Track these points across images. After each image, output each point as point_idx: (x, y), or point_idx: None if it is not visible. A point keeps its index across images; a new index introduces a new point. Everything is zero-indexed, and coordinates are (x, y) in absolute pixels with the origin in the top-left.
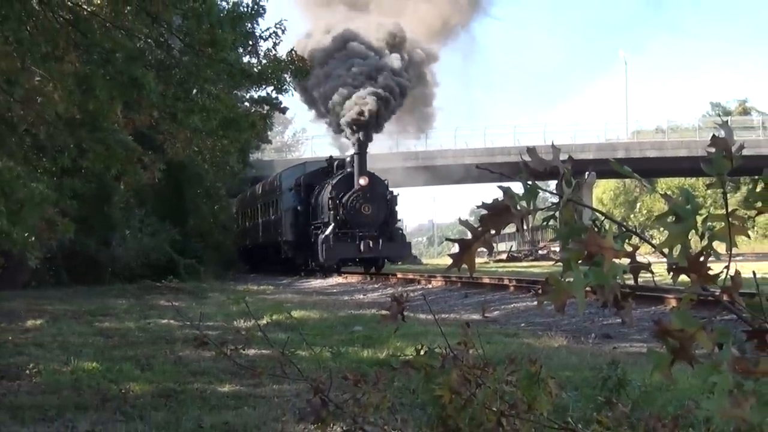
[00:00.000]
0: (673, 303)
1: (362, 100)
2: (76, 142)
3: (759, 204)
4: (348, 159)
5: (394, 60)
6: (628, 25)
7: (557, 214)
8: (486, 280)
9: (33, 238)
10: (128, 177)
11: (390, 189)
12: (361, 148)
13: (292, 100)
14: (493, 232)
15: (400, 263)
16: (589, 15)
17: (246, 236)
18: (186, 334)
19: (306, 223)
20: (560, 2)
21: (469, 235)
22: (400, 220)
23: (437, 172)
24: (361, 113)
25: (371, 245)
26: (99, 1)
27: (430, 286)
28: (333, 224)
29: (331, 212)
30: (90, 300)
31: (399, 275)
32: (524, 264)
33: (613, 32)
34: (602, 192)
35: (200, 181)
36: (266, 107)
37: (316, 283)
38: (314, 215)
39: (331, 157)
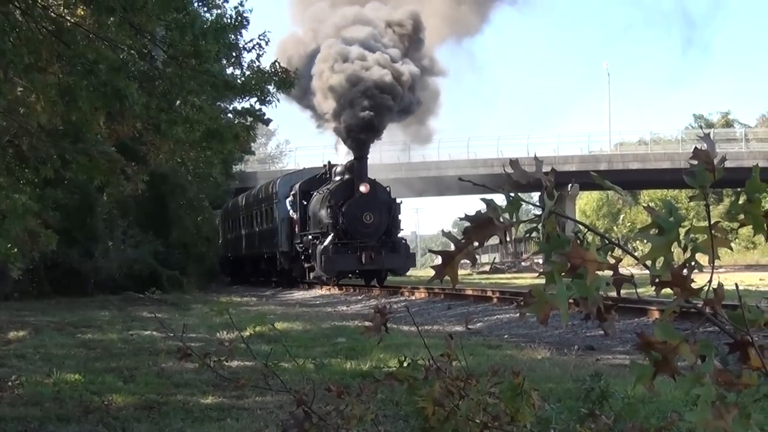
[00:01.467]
0: (656, 315)
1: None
2: (59, 153)
3: (741, 216)
4: (347, 165)
5: (405, 70)
6: (614, 38)
7: (540, 226)
8: (469, 292)
9: (15, 250)
10: (111, 188)
11: (393, 197)
12: (361, 152)
13: (275, 111)
14: (476, 244)
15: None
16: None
17: (235, 247)
18: (169, 345)
19: (304, 233)
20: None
21: (453, 247)
22: (402, 230)
23: (422, 183)
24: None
25: (373, 257)
26: (82, 12)
27: (413, 297)
28: (332, 234)
29: (330, 221)
30: (73, 311)
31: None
32: (507, 276)
33: (598, 44)
34: (585, 204)
35: (183, 192)
36: (250, 119)
37: (299, 294)
38: (312, 224)
39: (329, 162)
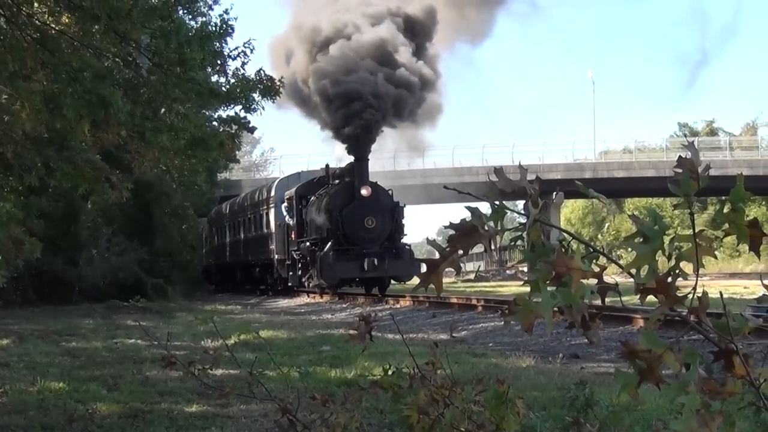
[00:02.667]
0: (641, 323)
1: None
2: (44, 160)
3: (726, 225)
4: (347, 167)
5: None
6: (597, 46)
7: (525, 234)
8: (454, 300)
9: (0, 257)
10: (96, 196)
11: (396, 200)
12: (362, 153)
13: (260, 119)
14: (461, 252)
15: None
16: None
17: (224, 254)
18: (153, 353)
19: (301, 240)
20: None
21: (437, 255)
22: (406, 235)
23: (407, 191)
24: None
25: (376, 263)
26: (67, 20)
27: (398, 305)
28: (332, 240)
29: (330, 227)
30: (57, 319)
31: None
32: (492, 284)
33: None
34: (570, 212)
35: (168, 200)
36: (235, 126)
37: (284, 302)
38: (310, 230)
39: (327, 165)
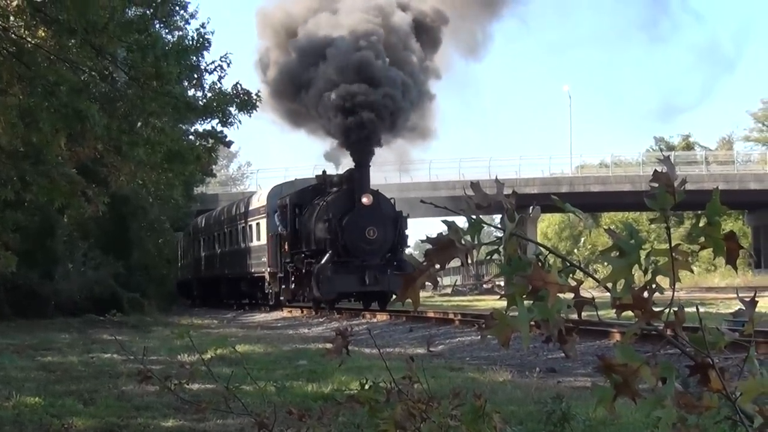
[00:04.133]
0: (617, 337)
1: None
2: (20, 174)
3: (702, 239)
4: (346, 174)
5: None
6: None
7: (501, 248)
8: (431, 315)
9: None
10: (72, 210)
11: (399, 209)
12: (362, 160)
13: (237, 133)
14: (437, 266)
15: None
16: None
17: (211, 266)
18: (129, 368)
19: (295, 251)
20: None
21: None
22: (410, 246)
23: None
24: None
25: (377, 276)
26: (43, 34)
27: (375, 320)
28: (330, 251)
29: (328, 237)
30: (32, 334)
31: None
32: (469, 298)
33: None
34: (547, 226)
35: (144, 214)
36: (211, 140)
37: (261, 317)
38: (306, 241)
39: (324, 172)
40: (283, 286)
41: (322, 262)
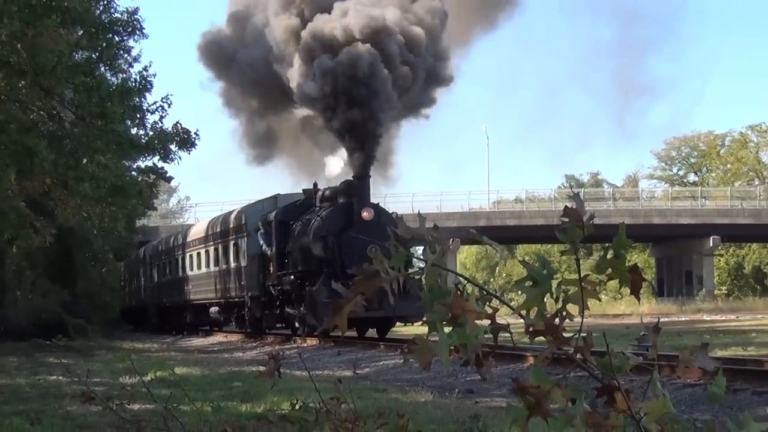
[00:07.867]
0: (531, 361)
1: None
2: None
3: (609, 270)
4: (340, 187)
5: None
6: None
7: (423, 278)
8: (358, 339)
9: None
10: (21, 241)
11: None
12: (363, 169)
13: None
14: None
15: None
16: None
17: (162, 293)
18: (74, 389)
19: (283, 272)
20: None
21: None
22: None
23: None
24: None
25: (380, 300)
26: None
27: (305, 344)
28: (326, 272)
29: (324, 256)
30: None
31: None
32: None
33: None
34: (465, 257)
35: (89, 245)
36: (153, 176)
37: (198, 341)
38: (293, 262)
39: (315, 184)
40: (266, 311)
41: (318, 284)
